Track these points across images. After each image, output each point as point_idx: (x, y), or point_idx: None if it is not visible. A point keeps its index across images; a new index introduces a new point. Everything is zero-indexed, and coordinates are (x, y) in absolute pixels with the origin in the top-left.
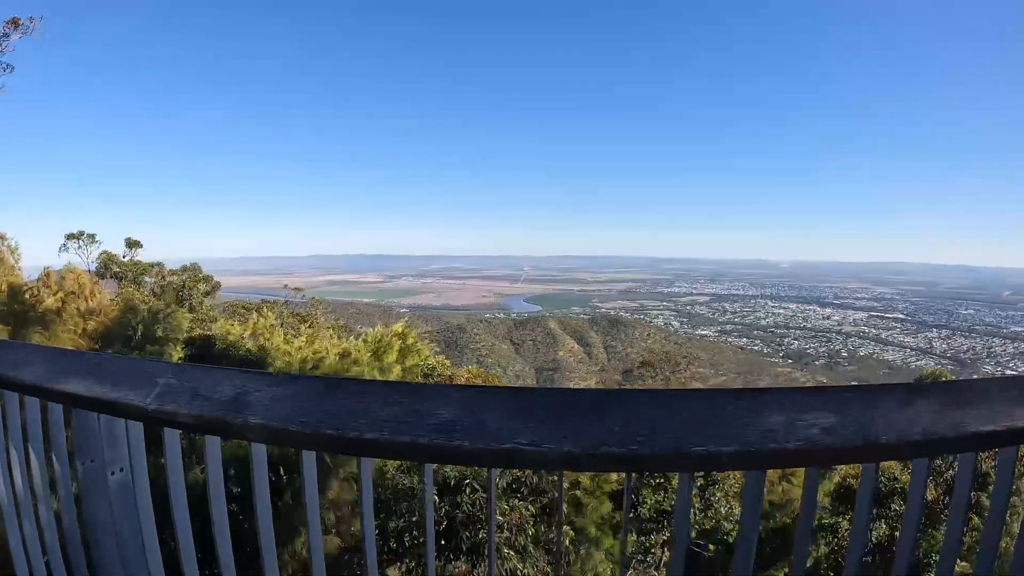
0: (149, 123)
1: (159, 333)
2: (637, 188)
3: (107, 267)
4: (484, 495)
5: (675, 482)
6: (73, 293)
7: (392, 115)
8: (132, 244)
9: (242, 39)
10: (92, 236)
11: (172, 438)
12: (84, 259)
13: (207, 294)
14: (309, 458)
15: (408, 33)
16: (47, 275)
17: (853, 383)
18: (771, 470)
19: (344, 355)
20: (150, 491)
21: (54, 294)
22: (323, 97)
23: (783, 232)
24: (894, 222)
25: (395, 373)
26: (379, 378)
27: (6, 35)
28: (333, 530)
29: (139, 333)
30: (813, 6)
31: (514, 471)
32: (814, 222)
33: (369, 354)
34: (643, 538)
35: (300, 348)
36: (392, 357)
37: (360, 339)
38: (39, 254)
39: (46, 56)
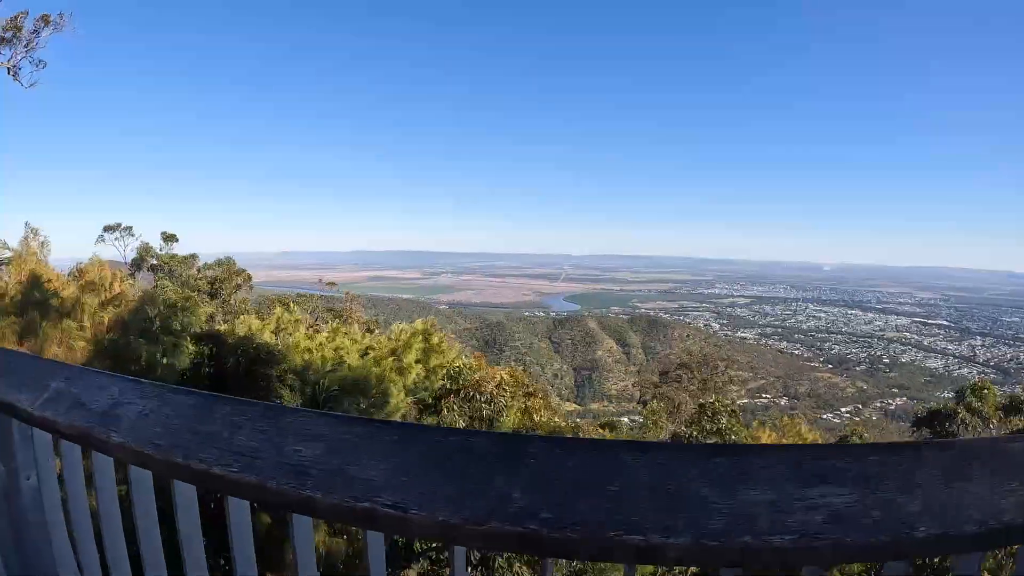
0: (193, 119)
1: (176, 326)
2: (678, 188)
3: (143, 259)
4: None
5: None
6: (92, 284)
7: (433, 111)
8: (168, 238)
9: (285, 32)
10: (129, 228)
11: (71, 450)
12: (120, 251)
13: (239, 287)
14: (184, 490)
15: (442, 18)
16: (79, 270)
17: (894, 389)
18: None
19: (365, 353)
20: (60, 499)
21: (75, 285)
22: (366, 95)
23: (827, 234)
24: (939, 226)
25: (414, 373)
26: (397, 379)
27: (36, 32)
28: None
29: (155, 325)
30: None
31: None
32: (859, 224)
33: (389, 353)
34: None
35: (321, 344)
36: (412, 356)
37: (384, 336)
38: (79, 246)
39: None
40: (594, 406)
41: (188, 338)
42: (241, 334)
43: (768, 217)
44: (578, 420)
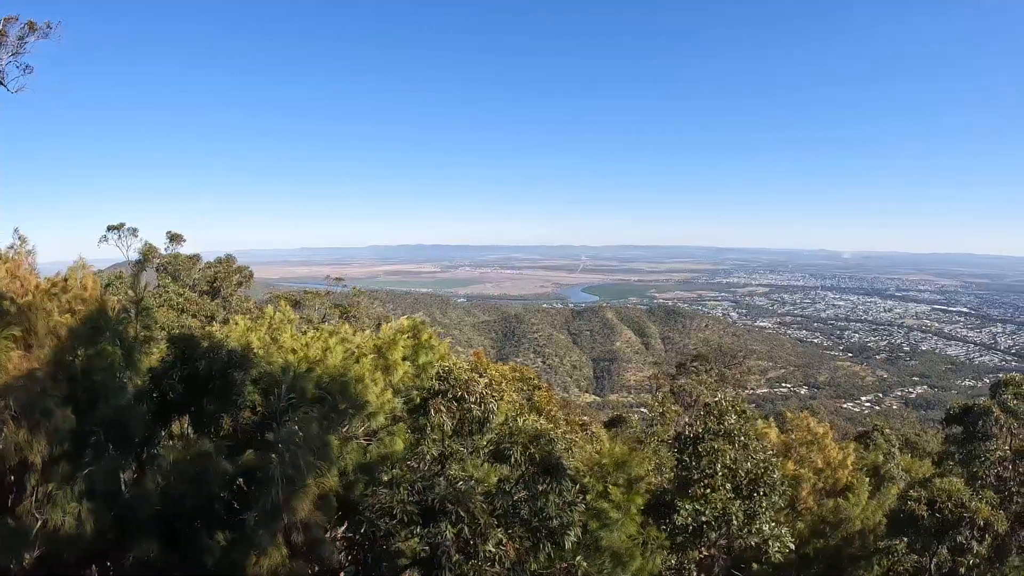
0: (211, 119)
1: (132, 331)
2: (697, 177)
3: (146, 259)
4: (470, 524)
5: (717, 493)
6: (57, 288)
7: (449, 106)
8: (174, 237)
9: (301, 31)
10: (133, 229)
11: None
12: (123, 251)
13: (240, 285)
14: None
15: (459, 25)
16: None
17: (915, 378)
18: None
19: (352, 352)
20: None
21: (36, 291)
22: (384, 89)
23: (847, 222)
24: (960, 212)
25: (401, 372)
26: (380, 378)
27: (23, 38)
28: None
29: (114, 328)
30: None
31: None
32: (879, 211)
33: (372, 352)
34: (676, 556)
35: (307, 344)
36: (398, 355)
37: (372, 333)
38: (83, 248)
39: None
40: (612, 397)
41: (153, 341)
42: (221, 336)
43: (787, 205)
44: (586, 418)
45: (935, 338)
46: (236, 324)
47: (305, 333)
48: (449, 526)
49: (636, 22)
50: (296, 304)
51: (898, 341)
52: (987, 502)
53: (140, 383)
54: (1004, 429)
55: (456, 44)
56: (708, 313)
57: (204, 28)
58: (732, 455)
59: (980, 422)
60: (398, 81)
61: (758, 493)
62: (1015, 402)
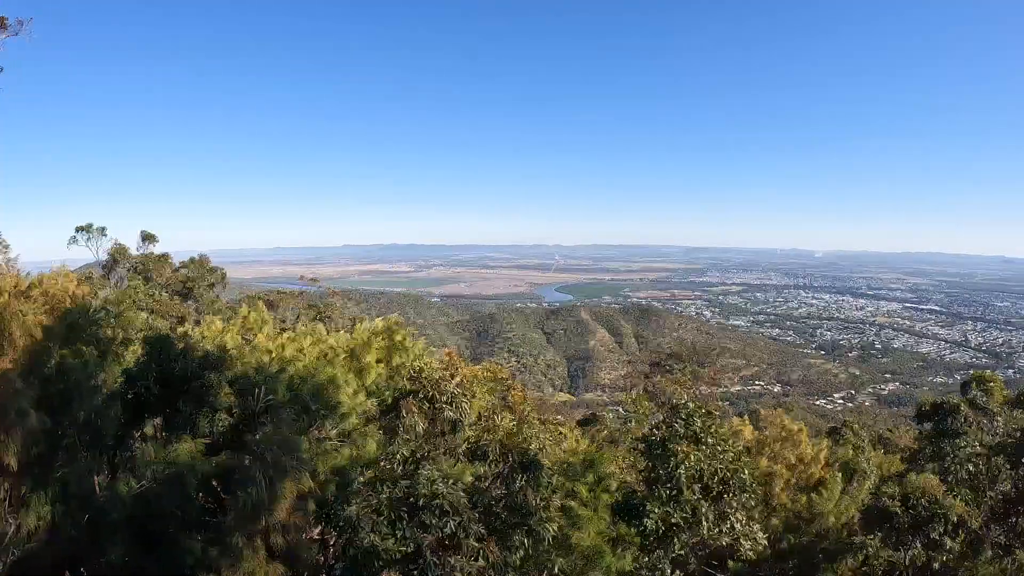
0: (184, 118)
1: (108, 332)
2: (671, 177)
3: (117, 260)
4: (456, 518)
5: (685, 495)
6: (31, 289)
7: (422, 106)
8: (147, 237)
9: (272, 28)
10: (102, 229)
11: None
12: (93, 251)
13: (212, 286)
14: None
15: (433, 25)
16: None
17: (886, 375)
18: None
19: (326, 353)
20: None
21: (8, 292)
22: (355, 89)
23: (819, 221)
24: (931, 212)
25: (374, 373)
26: (353, 380)
27: None
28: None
29: (90, 330)
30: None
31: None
32: (851, 211)
33: (345, 354)
34: (648, 555)
35: (282, 345)
36: (371, 357)
37: (346, 334)
38: (55, 249)
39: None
40: (587, 396)
41: (128, 342)
42: (196, 337)
43: (760, 205)
44: (559, 417)
45: (907, 336)
46: (211, 325)
47: (279, 334)
48: (434, 522)
49: (601, 21)
50: (270, 305)
51: (870, 339)
52: (962, 499)
53: (114, 384)
54: (974, 426)
55: (428, 42)
56: (682, 312)
57: (176, 25)
58: (698, 457)
59: (950, 419)
60: (371, 80)
61: (728, 494)
62: (984, 399)
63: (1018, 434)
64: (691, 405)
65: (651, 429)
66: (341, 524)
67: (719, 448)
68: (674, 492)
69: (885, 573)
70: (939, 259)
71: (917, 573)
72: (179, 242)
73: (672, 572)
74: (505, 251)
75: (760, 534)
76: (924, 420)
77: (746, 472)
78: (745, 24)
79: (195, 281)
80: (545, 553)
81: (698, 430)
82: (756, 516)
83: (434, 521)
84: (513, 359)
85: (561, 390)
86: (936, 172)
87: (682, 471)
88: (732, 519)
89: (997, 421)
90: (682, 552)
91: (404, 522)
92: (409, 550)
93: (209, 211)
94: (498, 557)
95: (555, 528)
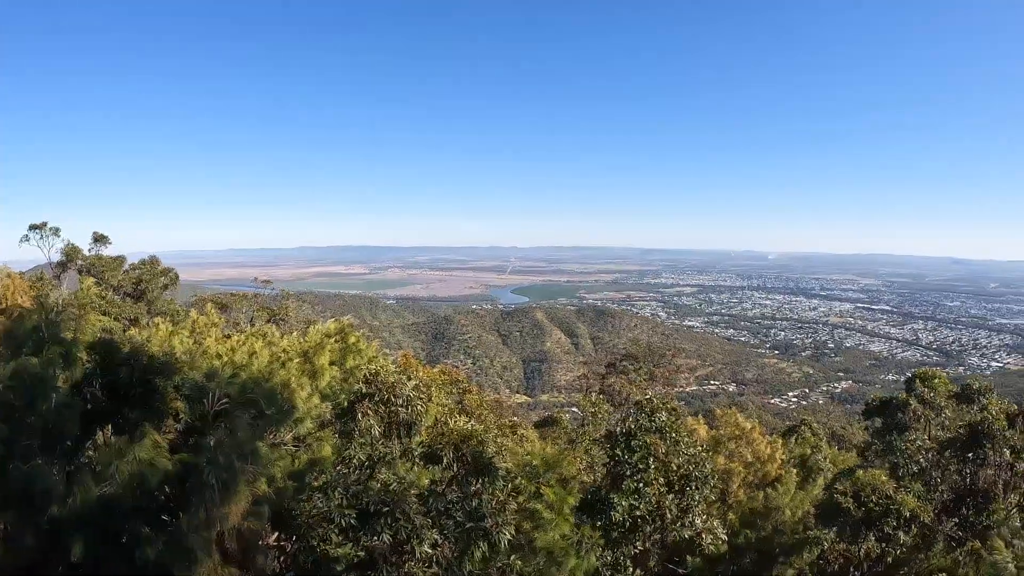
0: (138, 117)
1: (67, 334)
2: (625, 179)
3: (69, 261)
4: (407, 524)
5: (651, 487)
6: None
7: (379, 106)
8: (99, 238)
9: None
10: (56, 229)
11: None
12: (45, 252)
13: (165, 288)
14: None
15: (390, 29)
16: None
17: (839, 373)
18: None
19: (274, 358)
20: None
21: None
22: (310, 90)
23: (773, 223)
24: (882, 214)
25: (328, 376)
26: (307, 383)
27: None
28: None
29: (43, 334)
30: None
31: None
32: (803, 213)
33: (299, 357)
34: (612, 552)
35: (232, 349)
36: (324, 359)
37: (299, 337)
38: (4, 247)
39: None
40: (544, 397)
41: (81, 347)
42: (142, 340)
43: (714, 207)
44: (516, 419)
45: (859, 335)
46: (158, 328)
47: (231, 337)
48: (385, 529)
49: (556, 21)
50: (223, 307)
51: (823, 338)
52: (913, 493)
53: (64, 391)
54: (922, 421)
55: (376, 44)
56: (637, 313)
57: (129, 20)
58: (664, 450)
59: (898, 415)
60: (323, 80)
61: (690, 487)
62: (930, 394)
63: (964, 428)
64: (655, 400)
65: (617, 422)
66: (291, 530)
67: (682, 443)
68: (640, 485)
69: (841, 567)
70: (890, 260)
71: (872, 565)
72: (133, 243)
73: (634, 571)
74: (461, 253)
75: (720, 529)
76: (872, 416)
77: (708, 466)
78: (690, 21)
79: (148, 283)
80: (503, 556)
81: (662, 425)
82: (715, 512)
83: (386, 528)
84: (469, 361)
85: (517, 392)
86: (887, 174)
87: (651, 461)
88: (694, 512)
89: (944, 415)
90: (646, 546)
91: (355, 530)
92: (362, 556)
93: (162, 212)
94: (452, 563)
95: (512, 532)
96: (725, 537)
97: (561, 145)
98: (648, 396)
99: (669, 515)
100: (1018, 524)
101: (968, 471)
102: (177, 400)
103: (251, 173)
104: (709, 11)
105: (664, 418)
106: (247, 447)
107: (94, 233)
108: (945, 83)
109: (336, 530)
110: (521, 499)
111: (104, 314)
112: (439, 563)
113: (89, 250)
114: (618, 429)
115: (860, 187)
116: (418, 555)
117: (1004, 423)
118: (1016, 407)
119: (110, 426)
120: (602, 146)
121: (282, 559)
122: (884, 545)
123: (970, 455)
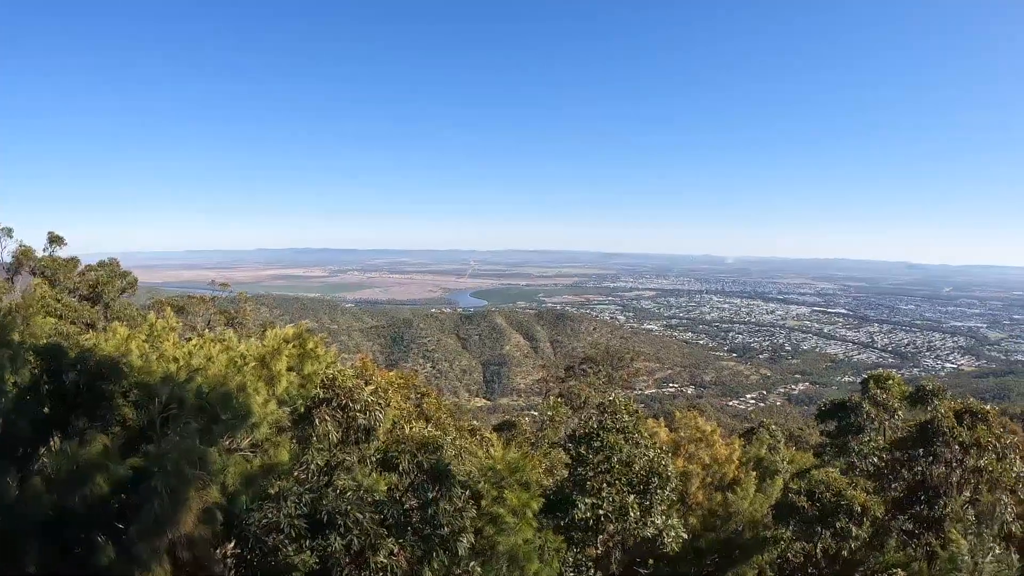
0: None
1: (16, 337)
2: (584, 183)
3: (21, 263)
4: (360, 536)
5: (613, 487)
6: None
7: (340, 108)
8: (54, 240)
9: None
10: (8, 230)
11: None
12: None
13: (123, 291)
14: None
15: (354, 35)
16: None
17: (797, 375)
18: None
19: (231, 363)
20: None
21: None
22: (271, 87)
23: (730, 228)
24: (839, 219)
25: (285, 383)
26: (263, 388)
27: None
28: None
29: None
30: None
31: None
32: (761, 217)
33: (255, 362)
34: (575, 552)
35: (189, 353)
36: (282, 365)
37: (257, 341)
38: None
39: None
40: (503, 401)
41: (29, 351)
42: (90, 344)
43: (672, 211)
44: (476, 423)
45: (815, 338)
46: (114, 332)
47: (188, 341)
48: (338, 538)
49: (531, 23)
50: (180, 310)
51: (780, 341)
52: (863, 489)
53: (11, 395)
54: (876, 421)
55: (338, 50)
56: (596, 316)
57: (88, 19)
58: (627, 450)
59: (852, 416)
60: (279, 79)
61: (652, 487)
62: (884, 396)
63: (915, 428)
64: (618, 402)
65: (580, 424)
66: (250, 539)
67: (643, 443)
68: (603, 484)
69: (800, 565)
70: (846, 264)
71: (830, 563)
72: (88, 245)
73: (595, 573)
74: (420, 256)
75: (681, 528)
76: (826, 419)
77: (670, 466)
78: (661, 22)
79: (104, 285)
80: (464, 563)
81: (624, 425)
82: (675, 513)
83: (338, 538)
84: (428, 365)
85: (477, 395)
86: (841, 180)
87: (614, 461)
88: (655, 512)
89: (897, 416)
90: (608, 547)
91: (306, 540)
92: (316, 567)
93: (117, 214)
94: (410, 572)
95: (471, 539)
96: (686, 535)
97: (521, 148)
98: (611, 398)
99: (632, 514)
100: (971, 518)
101: (920, 468)
102: (125, 406)
103: (207, 174)
104: (658, 13)
105: (626, 419)
106: (196, 453)
107: (49, 234)
108: (901, 89)
109: (287, 540)
110: (484, 503)
111: (60, 317)
112: (394, 572)
113: (44, 251)
114: (580, 430)
115: (817, 192)
116: (373, 564)
117: (953, 421)
118: (963, 405)
119: (60, 432)
120: (561, 150)
121: (239, 569)
122: (839, 541)
123: (920, 452)
